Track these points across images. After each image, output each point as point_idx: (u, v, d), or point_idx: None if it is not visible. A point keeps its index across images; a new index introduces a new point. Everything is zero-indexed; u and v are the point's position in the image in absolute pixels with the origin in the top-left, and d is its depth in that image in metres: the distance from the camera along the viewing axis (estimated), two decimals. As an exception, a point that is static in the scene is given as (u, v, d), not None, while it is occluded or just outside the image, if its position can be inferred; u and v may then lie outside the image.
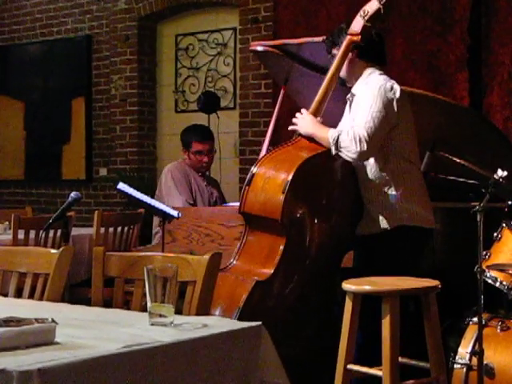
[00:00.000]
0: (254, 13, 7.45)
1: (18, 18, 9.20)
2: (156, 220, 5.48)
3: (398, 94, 3.77)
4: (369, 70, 3.90)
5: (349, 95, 3.97)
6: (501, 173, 3.49)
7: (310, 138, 3.83)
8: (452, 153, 3.89)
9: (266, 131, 4.84)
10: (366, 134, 3.62)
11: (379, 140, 3.70)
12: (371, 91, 3.75)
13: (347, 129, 3.69)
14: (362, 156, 3.67)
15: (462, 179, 4.14)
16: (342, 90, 4.03)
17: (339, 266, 3.95)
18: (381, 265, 3.78)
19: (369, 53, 3.89)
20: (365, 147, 3.62)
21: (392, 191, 3.81)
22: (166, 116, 8.42)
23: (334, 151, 3.69)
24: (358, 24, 3.78)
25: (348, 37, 3.81)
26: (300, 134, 3.88)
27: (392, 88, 3.78)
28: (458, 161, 3.70)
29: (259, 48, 4.75)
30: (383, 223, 3.82)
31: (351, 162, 3.73)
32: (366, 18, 3.73)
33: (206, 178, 5.83)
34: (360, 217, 3.89)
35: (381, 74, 3.88)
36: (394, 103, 3.75)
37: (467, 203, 4.26)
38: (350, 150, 3.64)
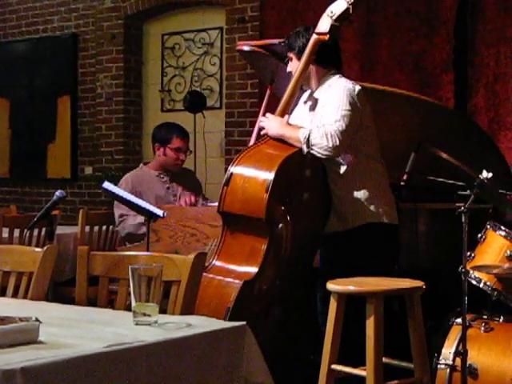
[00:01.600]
0: (241, 12, 7.45)
1: (4, 15, 9.16)
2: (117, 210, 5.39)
3: (360, 94, 3.82)
4: (328, 75, 3.94)
5: (305, 98, 4.00)
6: (486, 174, 3.50)
7: (278, 139, 3.85)
8: (437, 153, 3.91)
9: (252, 131, 4.84)
10: (337, 130, 3.65)
11: (349, 137, 3.73)
12: (337, 93, 3.79)
13: (316, 127, 3.71)
14: (335, 152, 3.68)
15: (447, 180, 4.16)
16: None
17: (312, 263, 3.97)
18: (347, 262, 3.82)
19: (326, 58, 3.91)
20: (337, 142, 3.64)
21: (360, 188, 3.83)
22: (151, 115, 8.40)
23: (305, 149, 3.70)
24: (325, 24, 3.78)
25: (315, 36, 3.81)
26: (268, 136, 3.90)
27: (354, 89, 3.81)
28: (445, 157, 3.71)
29: (245, 48, 4.75)
30: (350, 221, 3.86)
31: (323, 158, 3.73)
32: (333, 17, 3.74)
33: (171, 176, 5.67)
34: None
35: (340, 77, 3.92)
36: (358, 103, 3.78)
37: (452, 204, 4.28)
38: (321, 147, 3.66)
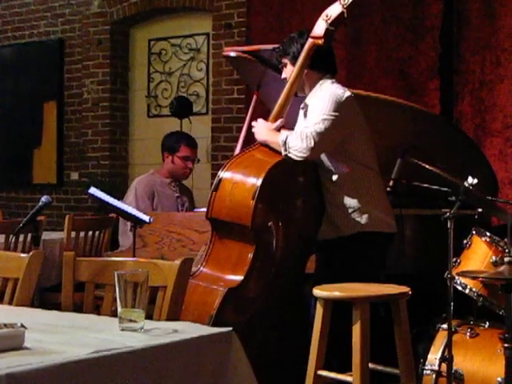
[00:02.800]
0: (227, 18, 7.46)
1: (-10, 20, 9.16)
2: (123, 225, 5.44)
3: (349, 101, 3.81)
4: (321, 81, 3.93)
5: (302, 105, 4.01)
6: (471, 180, 3.51)
7: (267, 145, 3.86)
8: (423, 160, 3.91)
9: (239, 137, 4.84)
10: (313, 132, 3.65)
11: (329, 140, 3.72)
12: (325, 98, 3.78)
13: (293, 131, 3.73)
14: (310, 153, 3.66)
15: (432, 186, 4.17)
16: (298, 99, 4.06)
17: (304, 270, 3.96)
18: (341, 270, 3.81)
19: (320, 63, 3.90)
20: (311, 144, 3.63)
21: (353, 197, 3.83)
22: (138, 120, 8.40)
23: (283, 153, 3.70)
24: (320, 27, 3.78)
25: (310, 40, 3.82)
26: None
27: (343, 94, 3.80)
28: (428, 168, 3.72)
29: (232, 53, 4.76)
30: (344, 229, 3.85)
31: (300, 161, 3.72)
32: (328, 21, 3.75)
33: (180, 187, 5.79)
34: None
35: (333, 83, 3.90)
36: (346, 109, 3.78)
37: (438, 210, 4.29)
38: (297, 149, 3.66)
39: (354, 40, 6.73)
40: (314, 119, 3.72)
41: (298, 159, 3.69)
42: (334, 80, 3.93)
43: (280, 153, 3.74)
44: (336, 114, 3.72)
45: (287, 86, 3.90)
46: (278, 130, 3.86)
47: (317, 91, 3.91)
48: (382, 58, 6.67)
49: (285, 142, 3.68)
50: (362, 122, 3.91)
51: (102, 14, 8.32)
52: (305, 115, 3.94)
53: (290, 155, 3.69)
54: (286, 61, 3.98)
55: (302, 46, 3.87)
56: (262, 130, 3.89)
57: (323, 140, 3.68)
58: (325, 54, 3.91)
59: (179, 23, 8.07)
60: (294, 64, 3.91)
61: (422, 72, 6.49)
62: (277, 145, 3.75)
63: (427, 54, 6.46)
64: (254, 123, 3.98)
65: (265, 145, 3.86)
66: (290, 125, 3.99)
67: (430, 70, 6.45)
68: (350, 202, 3.83)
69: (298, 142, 3.65)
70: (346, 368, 3.21)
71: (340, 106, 3.75)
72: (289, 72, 3.94)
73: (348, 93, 3.83)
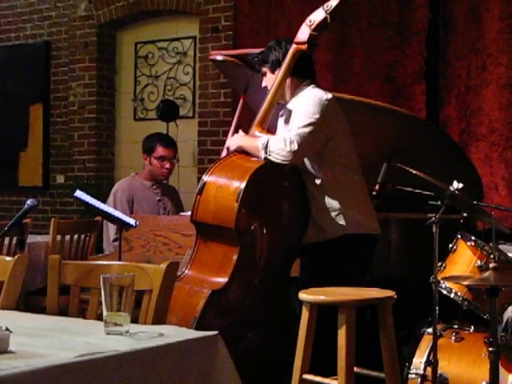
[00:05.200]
0: (214, 22, 7.46)
1: (-24, 22, 9.13)
2: (111, 230, 5.44)
3: (331, 103, 3.82)
4: (302, 87, 3.94)
5: (281, 112, 4.02)
6: (456, 185, 3.53)
7: (246, 152, 3.87)
8: (409, 164, 3.92)
9: (225, 140, 4.84)
10: (297, 136, 3.66)
11: (312, 143, 3.73)
12: (306, 101, 3.80)
13: (275, 136, 3.74)
14: (293, 157, 3.67)
15: (418, 190, 4.18)
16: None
17: (289, 274, 3.97)
18: (326, 273, 3.82)
19: (301, 70, 3.92)
20: (295, 147, 3.64)
21: (337, 199, 3.84)
22: (124, 124, 8.39)
23: (263, 156, 3.71)
24: (304, 33, 3.80)
25: (294, 46, 3.84)
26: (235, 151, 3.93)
27: (326, 98, 3.82)
28: (414, 172, 3.73)
29: (219, 57, 4.76)
30: (329, 232, 3.86)
31: (285, 165, 3.72)
32: (312, 27, 3.77)
33: (162, 189, 5.78)
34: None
35: (314, 87, 3.92)
36: (328, 111, 3.79)
37: (423, 214, 4.30)
38: (279, 153, 3.67)
39: (341, 44, 6.75)
40: (297, 123, 3.73)
41: (281, 162, 3.69)
42: (314, 85, 3.95)
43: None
44: (318, 116, 3.73)
45: (271, 91, 3.91)
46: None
47: (298, 97, 3.92)
48: (369, 62, 6.68)
49: (266, 146, 3.69)
50: (344, 124, 3.92)
51: (88, 17, 8.31)
52: (286, 121, 3.95)
53: (270, 158, 3.69)
54: (265, 69, 4.01)
55: (280, 53, 3.91)
56: (236, 138, 3.94)
57: (306, 143, 3.69)
58: (306, 61, 3.93)
59: (166, 26, 8.07)
60: (273, 72, 3.95)
61: (408, 76, 6.50)
62: (254, 148, 3.77)
63: (413, 59, 6.48)
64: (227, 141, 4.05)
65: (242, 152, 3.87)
66: (273, 132, 4.01)
67: (416, 74, 6.47)
68: (334, 204, 3.84)
69: (280, 145, 3.66)
70: (331, 372, 3.21)
71: (322, 109, 3.76)
72: (269, 80, 3.97)
73: (329, 95, 3.85)
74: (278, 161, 3.68)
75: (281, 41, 3.98)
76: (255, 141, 3.79)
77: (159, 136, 5.89)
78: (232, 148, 3.94)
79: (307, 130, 3.69)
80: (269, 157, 3.69)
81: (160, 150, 5.62)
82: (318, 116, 3.73)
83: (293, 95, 3.95)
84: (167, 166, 5.65)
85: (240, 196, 3.61)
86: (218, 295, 3.58)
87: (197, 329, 3.23)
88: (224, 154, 4.45)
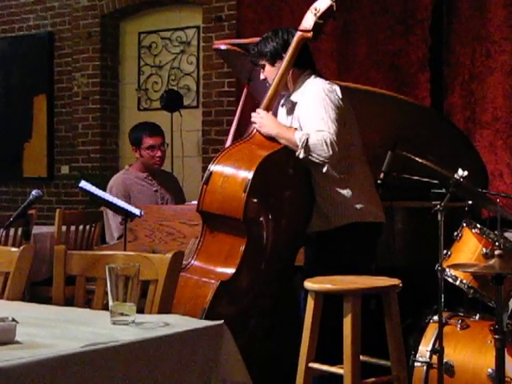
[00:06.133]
0: (218, 11, 7.45)
1: (-21, 14, 9.12)
2: (112, 222, 5.43)
3: (338, 93, 3.80)
4: (303, 77, 3.90)
5: (282, 102, 3.99)
6: (461, 172, 3.52)
7: (260, 138, 3.83)
8: (413, 152, 3.92)
9: (229, 130, 4.84)
10: (334, 137, 3.61)
11: (340, 141, 3.71)
12: (318, 95, 3.75)
13: (312, 133, 3.67)
14: (333, 159, 3.65)
15: (423, 179, 4.17)
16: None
17: (294, 262, 3.96)
18: (331, 262, 3.81)
19: (301, 59, 3.88)
20: (336, 149, 3.61)
21: (343, 188, 3.82)
22: (128, 114, 8.38)
23: (302, 154, 3.65)
24: (309, 21, 3.76)
25: (299, 33, 3.79)
26: (256, 133, 3.87)
27: (332, 88, 3.80)
28: (419, 160, 3.73)
29: (222, 47, 4.75)
30: (335, 220, 3.84)
31: (321, 163, 3.70)
32: (317, 15, 3.73)
33: (159, 178, 5.73)
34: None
35: (315, 77, 3.89)
36: (340, 102, 3.76)
37: (428, 202, 4.30)
38: (320, 154, 3.61)
39: (344, 33, 6.73)
40: (324, 121, 3.66)
41: (321, 163, 3.66)
42: (315, 75, 3.92)
43: (271, 145, 3.73)
44: (337, 109, 3.70)
45: (274, 82, 3.86)
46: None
47: (301, 87, 3.88)
48: (373, 51, 6.67)
49: (306, 144, 3.64)
50: (351, 113, 3.90)
51: (91, 7, 8.30)
52: (289, 112, 3.92)
53: (311, 158, 3.65)
54: (263, 62, 3.95)
55: (279, 44, 3.86)
56: (271, 122, 3.83)
57: (338, 141, 3.65)
58: (306, 51, 3.90)
59: (169, 16, 8.06)
60: (272, 64, 3.89)
61: (412, 64, 6.49)
62: (290, 142, 3.70)
63: (417, 47, 6.47)
64: (254, 114, 3.89)
65: (258, 137, 3.83)
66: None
67: (421, 62, 6.46)
68: (340, 193, 3.82)
69: (323, 147, 3.60)
70: (337, 360, 3.22)
71: (336, 101, 3.73)
72: (268, 72, 3.92)
73: (335, 86, 3.83)
74: (319, 161, 3.65)
75: (277, 30, 3.93)
76: (290, 133, 3.72)
77: (143, 126, 5.80)
78: (263, 130, 3.83)
79: (337, 128, 3.64)
80: (310, 157, 3.66)
81: (147, 141, 5.57)
82: (336, 109, 3.69)
83: (295, 85, 3.92)
84: (158, 154, 5.60)
85: (248, 186, 3.58)
86: (226, 286, 3.57)
87: (206, 319, 3.23)
88: (229, 141, 4.44)
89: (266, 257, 3.78)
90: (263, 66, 3.96)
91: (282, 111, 4.01)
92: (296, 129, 3.77)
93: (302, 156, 3.66)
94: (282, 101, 4.01)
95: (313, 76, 3.90)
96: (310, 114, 3.75)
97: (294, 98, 3.91)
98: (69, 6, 8.47)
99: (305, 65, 3.92)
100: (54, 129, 8.60)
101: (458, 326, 3.70)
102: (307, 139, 3.63)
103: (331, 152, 3.61)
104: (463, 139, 5.01)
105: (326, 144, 3.61)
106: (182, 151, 7.31)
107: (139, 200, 5.45)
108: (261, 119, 3.85)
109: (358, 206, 3.83)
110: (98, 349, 2.01)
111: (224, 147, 4.03)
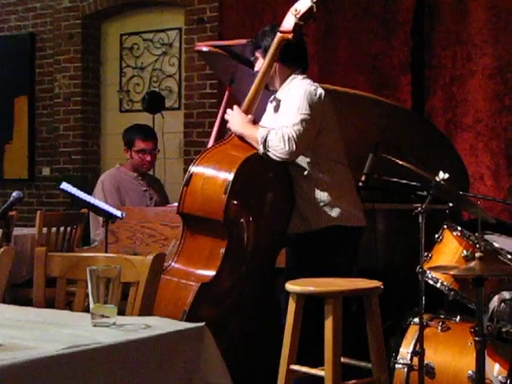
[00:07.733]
0: (200, 13, 7.45)
1: (-40, 14, 9.07)
2: (95, 222, 5.43)
3: (322, 97, 3.81)
4: (292, 75, 3.93)
5: (271, 98, 4.01)
6: (442, 175, 3.54)
7: (241, 138, 3.84)
8: (395, 155, 3.93)
9: (211, 132, 4.84)
10: (294, 135, 3.63)
11: (307, 140, 3.72)
12: (297, 94, 3.77)
13: (275, 129, 3.70)
14: (291, 156, 3.66)
15: (404, 181, 4.19)
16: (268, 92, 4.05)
17: (274, 264, 3.96)
18: (312, 264, 3.82)
19: (291, 58, 3.91)
20: (293, 147, 3.62)
21: (323, 191, 3.83)
22: (110, 115, 8.37)
23: (261, 150, 3.68)
24: (289, 22, 3.78)
25: (279, 34, 3.82)
26: (231, 132, 3.89)
27: (316, 91, 3.81)
28: (400, 163, 3.74)
29: (204, 48, 4.75)
30: (313, 223, 3.85)
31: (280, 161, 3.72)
32: (298, 16, 3.74)
33: (147, 180, 5.78)
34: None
35: (304, 78, 3.91)
36: (319, 106, 3.77)
37: (409, 205, 4.31)
38: (277, 150, 3.64)
39: (326, 35, 6.74)
40: (292, 119, 3.69)
41: (278, 159, 3.68)
42: (305, 76, 3.93)
43: (252, 147, 3.74)
44: (311, 112, 3.71)
45: (257, 79, 3.89)
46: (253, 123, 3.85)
47: (287, 86, 3.91)
48: (354, 53, 6.69)
49: (265, 140, 3.66)
50: (333, 117, 3.92)
51: (73, 8, 8.27)
52: (275, 110, 3.94)
53: (268, 154, 3.67)
54: (258, 54, 4.00)
55: (272, 40, 3.87)
56: (238, 121, 3.85)
57: (303, 142, 3.67)
58: (296, 49, 3.91)
59: (151, 18, 8.06)
60: (265, 57, 3.91)
61: (393, 67, 6.51)
62: (254, 140, 3.73)
63: (399, 49, 6.49)
64: (228, 110, 3.93)
65: (238, 138, 3.84)
66: (258, 118, 3.99)
67: (402, 64, 6.48)
68: (320, 196, 3.83)
69: (280, 143, 3.63)
70: (318, 362, 3.22)
71: (314, 104, 3.74)
72: (260, 65, 3.94)
73: (320, 89, 3.84)
74: (276, 157, 3.66)
75: (275, 26, 3.93)
76: (255, 131, 3.76)
77: (138, 128, 5.83)
78: (232, 129, 3.86)
79: (302, 127, 3.66)
80: (267, 152, 3.68)
81: (139, 144, 5.61)
82: (310, 112, 3.71)
83: (282, 83, 3.94)
84: (148, 158, 5.64)
85: (228, 188, 3.58)
86: (206, 288, 3.57)
87: (187, 321, 3.22)
88: (211, 143, 4.43)
89: (247, 259, 3.78)
90: (257, 58, 4.00)
91: (270, 107, 4.03)
92: (264, 127, 3.79)
93: (261, 152, 3.69)
94: (272, 97, 4.02)
95: (301, 76, 3.91)
96: (283, 113, 3.78)
97: (279, 95, 3.93)
98: (50, 7, 8.44)
99: (295, 63, 3.94)
100: (35, 130, 8.57)
101: (439, 327, 3.71)
102: (267, 135, 3.66)
103: (287, 148, 3.62)
104: (444, 141, 5.03)
105: (284, 140, 3.62)
106: (164, 153, 7.29)
107: (129, 197, 5.48)
108: (231, 117, 3.88)
109: (339, 209, 3.83)
110: (78, 351, 2.00)
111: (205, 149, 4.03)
